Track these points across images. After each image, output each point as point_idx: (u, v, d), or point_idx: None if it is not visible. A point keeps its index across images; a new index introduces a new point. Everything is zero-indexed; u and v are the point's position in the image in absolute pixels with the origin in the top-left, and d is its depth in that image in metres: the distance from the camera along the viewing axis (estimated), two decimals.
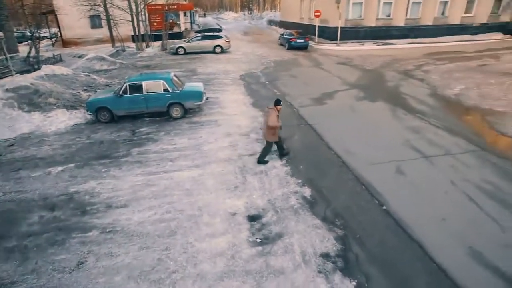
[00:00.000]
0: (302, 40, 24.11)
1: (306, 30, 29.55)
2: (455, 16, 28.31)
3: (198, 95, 10.87)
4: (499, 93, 12.81)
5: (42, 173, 7.69)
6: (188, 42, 23.66)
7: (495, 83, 14.16)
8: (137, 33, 24.38)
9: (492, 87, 13.66)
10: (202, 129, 10.03)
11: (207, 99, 11.88)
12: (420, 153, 8.14)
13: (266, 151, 7.77)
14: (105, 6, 24.14)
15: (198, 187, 6.91)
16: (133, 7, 23.43)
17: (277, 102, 7.47)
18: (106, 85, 15.15)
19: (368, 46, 24.85)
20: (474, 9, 28.64)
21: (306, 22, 31.78)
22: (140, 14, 24.96)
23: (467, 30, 28.77)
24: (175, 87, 10.71)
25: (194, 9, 65.51)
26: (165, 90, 10.57)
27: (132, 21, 23.82)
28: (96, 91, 13.48)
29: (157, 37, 29.64)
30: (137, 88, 10.43)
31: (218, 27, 37.83)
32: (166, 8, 31.12)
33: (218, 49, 23.75)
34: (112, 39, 26.20)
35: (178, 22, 34.28)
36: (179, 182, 7.09)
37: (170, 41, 27.48)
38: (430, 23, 28.07)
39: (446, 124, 10.00)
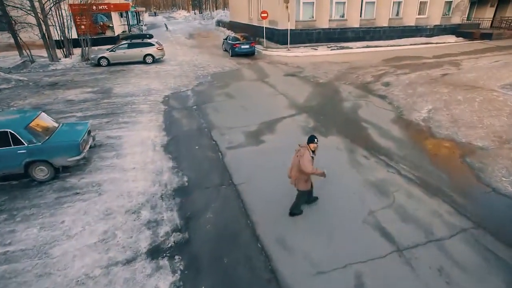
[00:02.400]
0: (247, 46, 21.02)
1: (255, 33, 26.57)
2: (410, 18, 26.74)
3: (73, 148, 7.34)
4: (472, 117, 10.52)
5: None
6: (112, 51, 19.65)
7: (463, 101, 11.92)
8: (47, 39, 19.81)
9: (462, 106, 11.38)
10: (72, 205, 6.55)
11: (94, 146, 8.38)
12: (389, 241, 5.35)
13: (299, 202, 6.00)
14: (1, 3, 19.29)
15: None
16: (38, 7, 18.78)
17: (311, 139, 5.62)
18: None
19: (322, 51, 22.33)
20: (427, 10, 27.32)
21: (255, 24, 28.75)
22: (54, 15, 20.41)
23: (422, 32, 27.44)
24: (35, 136, 7.09)
25: (140, 9, 60.26)
26: (17, 143, 6.90)
27: (39, 24, 19.25)
28: None
29: (92, 42, 25.19)
30: None
31: (162, 26, 33.70)
32: (95, 8, 26.69)
33: (149, 59, 20.01)
34: (18, 46, 21.36)
35: (110, 25, 29.79)
36: None
37: (104, 47, 23.07)
38: (385, 24, 26.22)
39: (420, 173, 7.35)
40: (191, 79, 16.10)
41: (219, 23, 41.64)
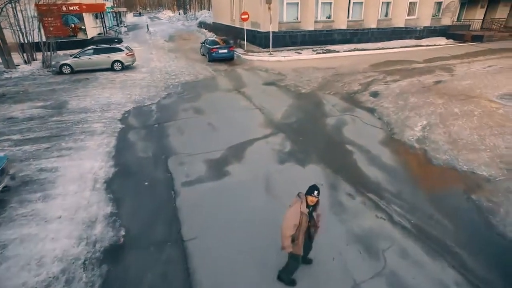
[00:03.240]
0: (225, 51, 19.40)
1: (237, 35, 24.96)
2: (399, 19, 25.47)
3: None
4: (473, 135, 9.12)
5: None
6: (75, 57, 17.81)
7: (461, 115, 10.54)
8: (1, 43, 17.84)
9: (460, 122, 10.00)
10: None
11: (7, 189, 6.66)
12: None
13: (289, 268, 4.52)
14: None
15: None
16: None
17: (310, 191, 4.13)
18: None
19: (307, 55, 20.84)
20: (417, 11, 26.13)
21: (237, 25, 27.12)
22: (20, 17, 18.45)
23: (411, 34, 26.24)
24: None
25: (121, 9, 57.98)
26: None
27: None
28: None
29: (62, 46, 23.29)
30: None
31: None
32: (65, 8, 24.73)
33: (117, 66, 18.22)
34: None
35: (83, 27, 27.80)
36: None
37: (76, 51, 21.03)
38: (374, 25, 24.89)
39: (417, 219, 5.92)
40: (160, 90, 14.41)
41: (201, 24, 39.85)
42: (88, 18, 27.86)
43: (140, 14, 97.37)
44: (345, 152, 8.44)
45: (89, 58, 17.79)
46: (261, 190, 6.86)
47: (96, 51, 17.90)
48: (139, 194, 7.03)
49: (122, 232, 5.89)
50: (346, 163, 7.89)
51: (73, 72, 17.71)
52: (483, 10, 28.49)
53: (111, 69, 18.33)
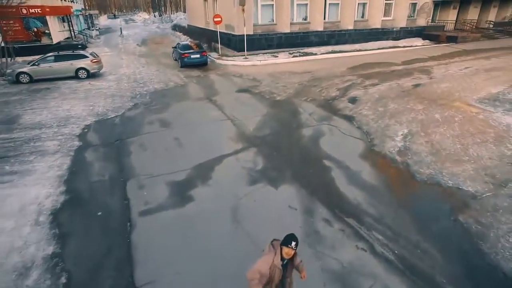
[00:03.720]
0: (198, 56, 18.46)
1: (212, 38, 24.06)
2: (376, 20, 25.26)
3: None
4: (455, 145, 8.67)
5: None
6: (34, 65, 16.43)
7: (442, 121, 10.12)
8: None
9: (441, 129, 9.55)
10: None
11: None
12: None
13: None
14: None
15: None
16: None
17: (287, 242, 3.42)
18: None
19: (283, 58, 20.20)
20: (393, 12, 26.02)
21: (212, 28, 26.19)
22: None
23: (388, 35, 26.11)
24: None
25: (93, 11, 55.85)
26: None
27: None
28: None
29: (25, 52, 21.72)
30: None
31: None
32: (25, 11, 23.15)
33: (82, 73, 16.97)
34: None
35: (47, 31, 26.15)
36: None
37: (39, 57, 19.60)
38: (351, 27, 24.55)
39: (402, 249, 5.30)
40: (126, 100, 13.36)
41: (176, 27, 38.63)
42: (53, 22, 26.25)
43: (115, 17, 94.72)
44: (322, 168, 7.74)
45: (50, 66, 16.48)
46: (228, 219, 6.05)
47: (58, 58, 16.59)
48: (90, 228, 6.10)
49: (63, 280, 4.96)
50: (323, 182, 7.19)
51: (32, 81, 16.35)
52: (456, 11, 28.75)
53: (76, 77, 17.05)
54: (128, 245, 5.61)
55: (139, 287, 4.79)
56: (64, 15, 29.29)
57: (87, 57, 17.17)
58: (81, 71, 16.99)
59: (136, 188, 7.28)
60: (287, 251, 3.40)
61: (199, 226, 5.94)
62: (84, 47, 18.17)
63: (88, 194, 7.11)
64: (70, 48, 17.65)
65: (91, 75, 17.28)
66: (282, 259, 3.44)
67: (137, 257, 5.34)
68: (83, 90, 15.14)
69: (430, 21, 27.77)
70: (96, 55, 18.11)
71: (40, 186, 7.43)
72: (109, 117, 11.66)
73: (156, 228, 5.96)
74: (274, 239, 3.62)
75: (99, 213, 6.49)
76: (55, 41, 25.68)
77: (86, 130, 10.59)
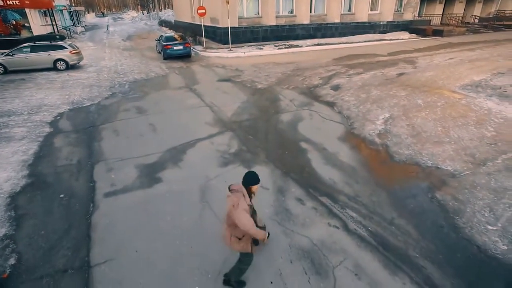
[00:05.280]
0: (181, 47, 18.09)
1: (198, 32, 23.66)
2: (362, 13, 25.20)
3: None
4: (436, 127, 8.47)
5: None
6: (8, 55, 15.85)
7: (424, 106, 9.93)
8: None
9: (423, 113, 9.36)
10: None
11: None
12: None
13: (239, 267, 3.85)
14: None
15: None
16: None
17: (254, 180, 3.56)
18: None
19: (268, 50, 19.94)
20: (380, 5, 25.99)
21: (197, 22, 25.76)
22: None
23: (375, 28, 26.09)
24: None
25: (79, 8, 54.89)
26: None
27: None
28: None
29: (3, 45, 21.08)
30: None
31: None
32: (1, 2, 22.51)
33: (61, 65, 16.44)
34: None
35: (26, 24, 25.48)
36: None
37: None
38: (337, 20, 24.44)
39: (376, 226, 5.06)
40: (103, 90, 12.94)
41: (162, 23, 38.12)
42: (33, 15, 25.59)
43: (103, 15, 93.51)
44: (298, 150, 7.48)
45: (26, 57, 15.93)
46: (196, 200, 5.75)
47: (34, 49, 16.05)
48: (50, 210, 5.73)
49: (12, 261, 4.60)
50: (299, 162, 6.93)
51: (6, 72, 15.80)
52: (442, 6, 28.91)
53: (54, 68, 16.53)
54: (88, 225, 5.27)
55: (94, 266, 4.45)
56: (46, 9, 28.57)
57: (66, 48, 16.67)
58: (59, 62, 16.48)
59: (104, 171, 6.93)
60: (256, 188, 3.58)
61: (165, 206, 5.63)
62: (62, 38, 17.57)
63: (52, 178, 6.74)
64: (48, 39, 16.99)
65: (70, 67, 16.79)
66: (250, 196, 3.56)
67: (96, 236, 5.01)
68: (61, 81, 14.67)
69: (417, 15, 27.86)
70: (75, 46, 17.60)
71: (0, 170, 7.01)
72: (84, 105, 11.26)
73: (120, 209, 5.63)
74: (230, 185, 3.62)
75: (61, 195, 6.12)
76: (36, 34, 25.00)
77: (58, 117, 10.18)
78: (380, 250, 4.58)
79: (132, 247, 4.74)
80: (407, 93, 11.12)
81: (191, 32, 24.05)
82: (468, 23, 28.78)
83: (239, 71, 15.23)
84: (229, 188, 3.59)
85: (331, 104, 10.46)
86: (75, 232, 5.11)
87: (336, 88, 12.05)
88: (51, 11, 29.42)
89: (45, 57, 16.18)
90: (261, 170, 6.63)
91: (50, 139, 8.59)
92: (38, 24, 26.60)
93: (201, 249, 4.63)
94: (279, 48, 20.39)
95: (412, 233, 4.88)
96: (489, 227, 4.93)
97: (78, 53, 17.15)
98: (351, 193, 5.86)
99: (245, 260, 3.82)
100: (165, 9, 66.77)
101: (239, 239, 3.58)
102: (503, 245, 4.53)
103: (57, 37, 17.33)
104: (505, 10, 30.65)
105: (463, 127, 8.48)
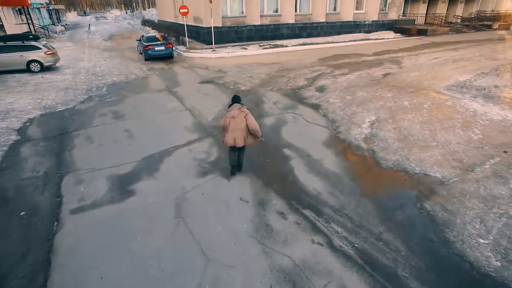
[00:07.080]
0: (162, 48, 17.50)
1: (181, 32, 23.04)
2: (348, 13, 25.07)
3: None
4: (423, 130, 8.25)
5: None
6: None
7: (410, 108, 9.71)
8: None
9: (410, 116, 9.13)
10: None
11: None
12: None
13: (243, 155, 6.34)
14: None
15: None
16: None
17: (238, 98, 6.03)
18: None
19: (253, 50, 19.55)
20: (365, 5, 25.93)
21: (180, 22, 25.12)
22: None
23: (360, 28, 26.00)
24: None
25: (58, 6, 53.22)
26: None
27: None
28: None
29: None
30: None
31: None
32: None
33: (35, 66, 15.64)
34: None
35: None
36: None
37: None
38: (322, 19, 24.22)
39: (363, 242, 4.74)
40: (79, 93, 12.30)
41: (146, 22, 37.23)
42: (6, 13, 24.45)
43: (85, 14, 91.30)
44: (281, 157, 7.11)
45: None
46: (170, 215, 5.30)
47: (4, 49, 15.19)
48: (6, 232, 5.18)
49: None
50: (281, 171, 6.55)
51: None
52: (425, 6, 29.08)
53: (28, 70, 15.71)
54: (49, 248, 4.76)
55: None
56: (21, 6, 27.37)
57: (40, 48, 15.86)
58: (33, 63, 15.68)
59: (73, 183, 6.41)
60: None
61: (136, 223, 5.17)
62: (36, 38, 16.74)
63: (13, 193, 6.18)
64: (20, 39, 16.13)
65: (45, 68, 16.00)
66: None
67: (57, 261, 4.52)
68: (34, 83, 13.92)
69: (401, 14, 27.93)
70: (51, 47, 16.80)
71: None
72: (57, 110, 10.63)
73: (86, 227, 5.14)
74: (228, 110, 5.80)
75: (22, 213, 5.58)
76: (9, 33, 23.90)
77: (28, 123, 9.54)
78: (367, 270, 4.25)
79: (97, 273, 4.28)
80: (393, 94, 10.90)
81: (174, 32, 23.42)
82: (451, 22, 29.04)
83: (222, 72, 14.78)
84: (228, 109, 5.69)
85: (316, 107, 10.14)
86: (33, 257, 4.61)
87: (321, 89, 11.75)
88: (26, 9, 28.23)
89: (17, 58, 15.36)
90: (241, 181, 6.24)
91: (16, 148, 7.98)
92: (12, 23, 25.47)
93: (173, 272, 4.21)
94: (263, 48, 20.02)
95: (401, 249, 4.57)
96: (481, 240, 4.67)
97: (54, 54, 16.38)
98: (336, 205, 5.52)
99: (244, 150, 5.95)
100: (149, 8, 65.56)
101: (250, 135, 5.67)
102: (496, 261, 4.26)
103: (31, 36, 16.47)
104: (485, 11, 31.10)
105: (450, 130, 8.27)
